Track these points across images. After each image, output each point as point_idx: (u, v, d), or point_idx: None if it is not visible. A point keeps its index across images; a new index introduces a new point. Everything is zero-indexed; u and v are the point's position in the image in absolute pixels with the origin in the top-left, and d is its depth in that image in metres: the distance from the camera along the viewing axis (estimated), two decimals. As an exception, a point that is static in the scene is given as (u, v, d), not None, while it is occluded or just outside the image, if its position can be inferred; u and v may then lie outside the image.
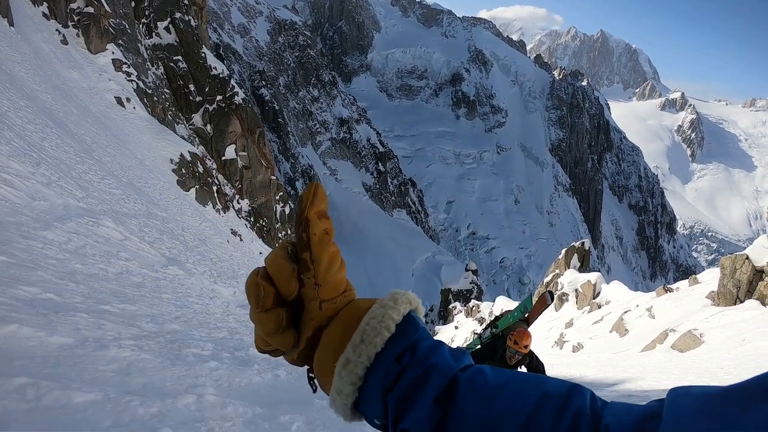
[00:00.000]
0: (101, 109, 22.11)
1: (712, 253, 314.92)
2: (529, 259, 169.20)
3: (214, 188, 29.74)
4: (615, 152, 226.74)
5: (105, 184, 10.86)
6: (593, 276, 28.91)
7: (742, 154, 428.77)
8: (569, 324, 26.10)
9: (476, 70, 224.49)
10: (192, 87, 34.81)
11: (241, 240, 28.28)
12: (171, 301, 6.67)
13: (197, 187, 26.92)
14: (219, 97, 35.57)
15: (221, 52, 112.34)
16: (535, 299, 6.61)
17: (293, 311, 0.79)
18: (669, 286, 22.61)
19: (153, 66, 31.88)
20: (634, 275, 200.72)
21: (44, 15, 23.88)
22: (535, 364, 5.89)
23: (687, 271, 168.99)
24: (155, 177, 20.00)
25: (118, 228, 8.10)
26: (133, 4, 31.55)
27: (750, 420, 0.42)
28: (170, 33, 33.93)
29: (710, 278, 19.58)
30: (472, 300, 55.21)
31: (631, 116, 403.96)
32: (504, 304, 42.04)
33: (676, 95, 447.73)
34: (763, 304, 14.33)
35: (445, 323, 55.35)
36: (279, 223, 42.66)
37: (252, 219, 35.59)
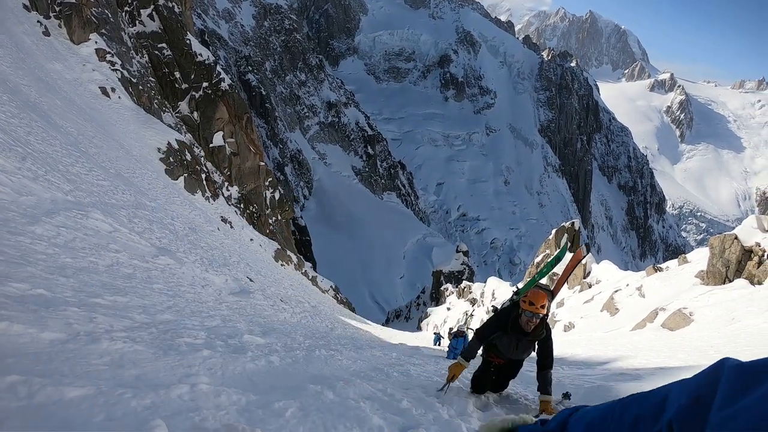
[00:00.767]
0: (86, 100, 21.83)
1: (701, 233, 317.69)
2: (520, 240, 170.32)
3: (203, 176, 29.56)
4: (604, 133, 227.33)
5: (92, 176, 10.77)
6: (583, 256, 29.14)
7: (731, 135, 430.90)
8: (560, 304, 26.41)
9: (464, 52, 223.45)
10: (177, 74, 34.41)
11: (231, 227, 28.21)
12: (162, 291, 6.66)
13: (186, 175, 26.74)
14: (205, 84, 35.20)
15: (206, 38, 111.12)
16: (530, 276, 6.33)
17: None
18: (659, 265, 22.88)
19: (137, 54, 31.43)
20: (624, 255, 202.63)
21: (25, 6, 23.39)
22: (550, 339, 5.36)
23: (676, 251, 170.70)
24: (143, 167, 19.84)
25: (107, 220, 8.05)
26: (115, -9, 31.02)
27: None
28: (154, 20, 33.41)
29: (699, 258, 19.82)
30: (464, 281, 55.71)
31: (620, 97, 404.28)
32: (495, 284, 42.42)
33: (665, 76, 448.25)
34: (752, 283, 14.53)
35: (437, 305, 55.87)
36: (269, 209, 42.56)
37: (242, 206, 35.46)
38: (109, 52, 27.21)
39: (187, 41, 35.28)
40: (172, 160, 25.74)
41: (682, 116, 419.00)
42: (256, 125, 53.31)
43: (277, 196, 44.56)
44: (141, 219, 10.59)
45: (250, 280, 14.04)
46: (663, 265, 22.71)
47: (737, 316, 12.62)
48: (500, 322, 5.38)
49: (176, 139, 27.29)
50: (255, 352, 5.26)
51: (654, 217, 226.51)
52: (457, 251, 72.00)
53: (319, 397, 4.14)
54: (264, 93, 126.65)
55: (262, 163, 41.83)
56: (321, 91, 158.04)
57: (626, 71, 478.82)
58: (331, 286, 44.99)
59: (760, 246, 14.88)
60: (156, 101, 31.05)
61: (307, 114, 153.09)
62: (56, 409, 2.35)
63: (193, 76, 34.92)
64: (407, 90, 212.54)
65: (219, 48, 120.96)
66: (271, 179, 44.31)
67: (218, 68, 36.83)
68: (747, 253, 15.30)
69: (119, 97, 25.87)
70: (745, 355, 8.52)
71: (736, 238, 15.71)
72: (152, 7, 33.43)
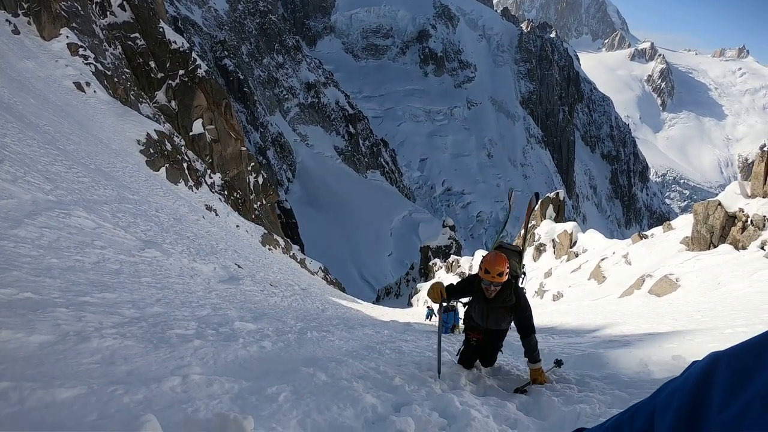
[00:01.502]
0: (61, 96, 21.46)
1: (684, 200, 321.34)
2: (505, 212, 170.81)
3: (185, 165, 29.30)
4: (586, 103, 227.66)
5: (72, 174, 10.64)
6: (569, 225, 29.45)
7: (713, 103, 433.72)
8: (548, 274, 26.71)
9: (442, 26, 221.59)
10: (152, 64, 33.84)
11: (216, 215, 28.08)
12: (151, 284, 6.65)
13: (167, 165, 26.50)
14: (181, 72, 34.68)
15: (180, 25, 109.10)
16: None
17: None
18: (644, 233, 23.13)
19: (110, 46, 30.83)
20: (609, 223, 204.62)
21: (-8, 6, 22.85)
22: (522, 306, 5.06)
23: (661, 218, 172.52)
24: (123, 160, 19.61)
25: (90, 216, 7.99)
26: (83, -18, 30.26)
27: None
28: (125, 10, 32.70)
29: (684, 224, 20.07)
30: (452, 255, 56.05)
31: (601, 67, 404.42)
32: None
33: (646, 45, 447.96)
34: (736, 248, 14.75)
35: (426, 280, 56.15)
36: (253, 194, 42.39)
37: (226, 192, 35.26)
38: (81, 46, 26.70)
39: (161, 29, 34.65)
40: (152, 151, 25.47)
41: (663, 85, 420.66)
42: (236, 110, 52.76)
43: (260, 180, 44.34)
44: (125, 213, 10.51)
45: (239, 266, 14.02)
46: (648, 233, 22.95)
47: (723, 281, 12.81)
48: (469, 285, 5.23)
49: (155, 130, 26.98)
50: (246, 339, 5.29)
51: (638, 186, 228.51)
52: (444, 226, 72.28)
53: (312, 379, 4.18)
54: (242, 77, 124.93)
55: (244, 149, 41.53)
56: (299, 72, 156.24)
57: (606, 41, 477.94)
58: (320, 268, 45.05)
59: (743, 212, 15.07)
60: (132, 92, 30.58)
61: (286, 96, 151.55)
62: (48, 412, 2.37)
63: (168, 65, 34.38)
64: (386, 67, 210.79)
65: (193, 34, 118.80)
66: (253, 164, 44.04)
67: (194, 55, 36.29)
68: (731, 219, 15.49)
69: (95, 91, 25.45)
70: (731, 318, 8.72)
71: (719, 204, 15.89)
72: (122, -4, 32.72)
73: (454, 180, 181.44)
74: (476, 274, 5.14)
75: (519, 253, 5.69)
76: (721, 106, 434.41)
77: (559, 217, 33.42)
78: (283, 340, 6.00)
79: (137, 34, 33.11)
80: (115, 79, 29.02)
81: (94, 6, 30.82)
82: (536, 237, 31.44)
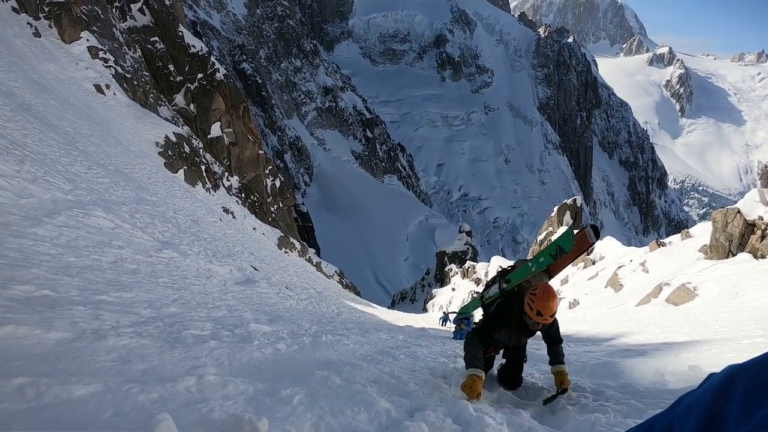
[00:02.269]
0: (81, 98, 21.78)
1: (703, 207, 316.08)
2: (522, 218, 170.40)
3: (203, 167, 29.56)
4: (604, 108, 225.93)
5: (92, 174, 10.78)
6: (586, 233, 29.13)
7: (732, 109, 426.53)
8: (564, 281, 26.47)
9: (460, 31, 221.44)
10: (172, 67, 34.27)
11: (233, 217, 28.27)
12: (167, 284, 6.70)
13: (185, 168, 26.75)
14: (200, 75, 35.06)
15: (198, 29, 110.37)
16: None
17: None
18: (662, 240, 22.87)
19: (130, 50, 31.28)
20: (627, 230, 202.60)
21: (14, 9, 23.33)
22: (553, 323, 4.73)
23: (679, 226, 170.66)
24: (142, 162, 19.84)
25: (108, 217, 8.07)
26: (104, -14, 30.77)
27: None
28: (144, 14, 33.19)
29: (702, 232, 19.80)
30: (468, 261, 55.78)
31: (619, 72, 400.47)
32: (500, 263, 42.47)
33: (664, 50, 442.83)
34: (755, 257, 14.49)
35: (442, 286, 55.97)
36: (270, 197, 42.62)
37: (243, 195, 35.52)
38: (101, 49, 27.10)
39: (180, 33, 35.08)
40: (170, 153, 25.73)
41: (681, 90, 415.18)
42: (253, 114, 53.14)
43: (277, 183, 44.60)
44: (143, 214, 10.62)
45: (255, 269, 14.09)
46: (666, 240, 22.69)
47: (741, 290, 12.58)
48: (501, 320, 4.81)
49: (174, 132, 27.26)
50: (261, 341, 5.29)
51: (656, 192, 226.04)
52: (460, 231, 72.02)
53: (326, 382, 4.17)
54: (260, 81, 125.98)
55: (261, 152, 41.80)
56: (317, 76, 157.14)
57: (624, 46, 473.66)
58: (335, 271, 45.15)
59: (762, 219, 14.81)
60: (151, 95, 30.96)
61: (304, 100, 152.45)
62: (64, 408, 2.38)
63: (187, 68, 34.78)
64: (404, 72, 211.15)
65: (212, 38, 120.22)
66: (270, 167, 44.31)
67: (212, 59, 36.67)
68: (750, 226, 15.23)
69: (114, 93, 25.80)
70: (750, 328, 8.55)
71: (738, 212, 15.63)
72: (142, 1, 33.21)
73: (471, 185, 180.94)
74: (506, 302, 4.88)
75: (547, 273, 5.22)
76: (741, 111, 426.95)
77: (576, 224, 33.14)
78: (298, 343, 6.00)
79: (157, 38, 33.57)
80: (135, 82, 29.41)
81: (114, 10, 31.34)
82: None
